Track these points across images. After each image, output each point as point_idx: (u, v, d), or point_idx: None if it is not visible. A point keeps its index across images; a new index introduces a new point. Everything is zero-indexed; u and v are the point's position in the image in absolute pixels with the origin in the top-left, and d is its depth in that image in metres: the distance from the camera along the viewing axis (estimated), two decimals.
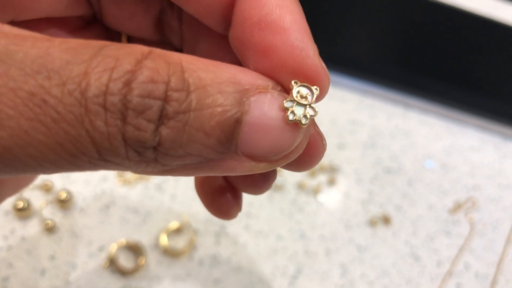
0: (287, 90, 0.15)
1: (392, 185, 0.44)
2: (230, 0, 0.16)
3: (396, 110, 0.49)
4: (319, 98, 0.16)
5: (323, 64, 0.16)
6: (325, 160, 0.44)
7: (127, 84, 0.13)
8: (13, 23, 0.18)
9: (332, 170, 0.44)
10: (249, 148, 0.14)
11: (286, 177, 0.42)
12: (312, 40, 0.16)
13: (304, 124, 0.15)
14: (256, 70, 0.15)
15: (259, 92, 0.14)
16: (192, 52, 0.20)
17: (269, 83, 0.15)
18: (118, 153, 0.13)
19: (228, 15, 0.17)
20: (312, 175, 0.43)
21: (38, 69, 0.12)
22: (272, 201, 0.41)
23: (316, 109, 0.15)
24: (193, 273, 0.36)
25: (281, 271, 0.38)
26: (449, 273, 0.40)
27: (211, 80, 0.14)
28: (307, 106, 0.15)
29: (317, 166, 0.43)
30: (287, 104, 0.14)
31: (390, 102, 0.49)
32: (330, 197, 0.42)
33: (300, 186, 0.42)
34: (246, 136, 0.14)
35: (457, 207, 0.44)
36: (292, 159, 0.16)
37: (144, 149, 0.13)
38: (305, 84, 0.15)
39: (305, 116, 0.15)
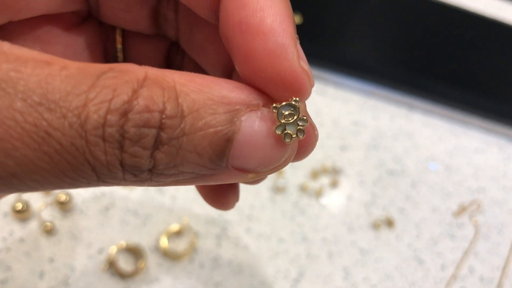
0: (275, 98, 0.16)
1: (395, 187, 0.43)
2: None
3: (399, 111, 0.48)
4: (302, 99, 0.16)
5: (304, 65, 0.16)
6: (327, 162, 0.43)
7: (124, 115, 0.13)
8: (10, 23, 0.19)
9: (335, 172, 0.43)
10: (239, 163, 0.15)
11: (288, 179, 0.42)
12: (294, 42, 0.15)
13: (301, 138, 0.15)
14: (241, 71, 0.16)
15: (250, 110, 0.15)
16: (188, 42, 0.21)
17: (260, 102, 0.15)
18: (116, 177, 0.14)
19: (216, 9, 0.17)
20: (315, 177, 0.42)
21: (40, 100, 0.13)
22: (274, 203, 0.41)
23: (306, 118, 0.15)
24: (193, 276, 0.36)
25: (283, 274, 0.37)
26: (454, 277, 0.40)
27: (203, 103, 0.14)
28: (297, 120, 0.15)
29: (319, 168, 0.43)
30: (278, 130, 0.15)
31: (393, 103, 0.49)
32: (333, 200, 0.42)
33: (303, 189, 0.42)
34: (237, 153, 0.15)
35: (461, 210, 0.43)
36: (279, 170, 0.16)
37: (139, 172, 0.14)
38: (285, 103, 0.15)
39: (299, 131, 0.15)
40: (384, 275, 0.39)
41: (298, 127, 0.15)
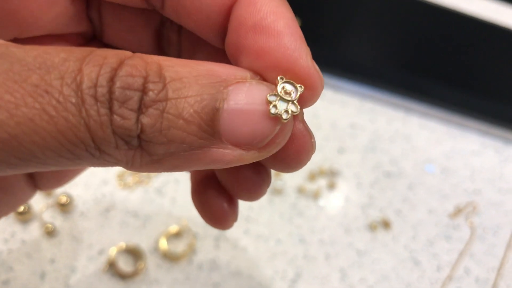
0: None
1: (392, 189, 0.44)
2: (227, 8, 0.17)
3: (396, 114, 0.49)
4: (312, 100, 0.16)
5: (316, 67, 0.16)
6: (325, 164, 0.44)
7: (112, 78, 0.14)
8: (15, 40, 0.19)
9: (332, 174, 0.44)
10: (232, 135, 0.15)
11: (286, 181, 0.42)
12: (305, 44, 0.16)
13: (285, 119, 0.15)
14: (249, 69, 0.16)
15: (237, 82, 0.15)
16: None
17: (247, 74, 0.16)
18: (109, 142, 0.14)
19: (225, 24, 0.17)
20: (312, 179, 0.43)
21: (39, 65, 0.13)
22: (272, 205, 0.41)
23: (298, 107, 0.15)
24: (192, 277, 0.37)
25: (281, 275, 0.38)
26: (449, 278, 0.40)
27: (188, 73, 0.15)
28: (290, 102, 0.15)
29: (317, 170, 0.43)
30: (270, 97, 0.15)
31: (391, 106, 0.49)
32: (330, 201, 0.42)
33: (300, 190, 0.42)
34: (227, 123, 0.15)
35: (457, 212, 0.44)
36: (279, 146, 0.16)
37: (130, 138, 0.14)
38: (291, 81, 0.15)
39: (286, 111, 0.15)
40: (381, 276, 0.39)
41: (288, 108, 0.15)
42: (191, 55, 0.21)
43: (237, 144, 0.15)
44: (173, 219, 0.39)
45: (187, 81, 0.14)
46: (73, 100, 0.13)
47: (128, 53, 0.15)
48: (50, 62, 0.14)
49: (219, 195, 0.21)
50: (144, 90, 0.14)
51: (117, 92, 0.14)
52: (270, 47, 0.16)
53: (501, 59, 0.53)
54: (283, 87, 0.15)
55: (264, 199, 0.41)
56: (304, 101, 0.16)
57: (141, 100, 0.14)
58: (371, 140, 0.47)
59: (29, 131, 0.13)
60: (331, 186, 0.43)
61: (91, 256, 0.36)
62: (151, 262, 0.37)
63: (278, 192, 0.42)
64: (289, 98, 0.15)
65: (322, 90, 0.16)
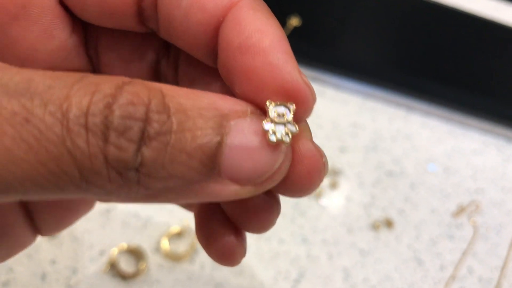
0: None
1: (395, 188, 0.44)
2: (213, 29, 0.17)
3: (398, 113, 0.49)
4: (305, 115, 0.16)
5: (306, 80, 0.16)
6: None
7: (108, 106, 0.13)
8: None
9: (334, 174, 0.43)
10: (232, 171, 0.15)
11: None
12: (293, 59, 0.16)
13: (287, 143, 0.15)
14: (241, 93, 0.16)
15: (238, 116, 0.15)
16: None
17: (248, 108, 0.15)
18: (100, 174, 0.13)
19: (214, 43, 0.17)
20: None
21: (22, 92, 0.13)
22: None
23: (296, 126, 0.15)
24: (194, 277, 0.36)
25: (283, 275, 0.38)
26: (452, 278, 0.40)
27: (191, 106, 0.14)
28: (287, 123, 0.15)
29: None
30: (266, 126, 0.15)
31: (392, 105, 0.49)
32: (332, 201, 0.42)
33: None
34: (228, 159, 0.14)
35: (460, 211, 0.43)
36: (276, 182, 0.16)
37: (126, 171, 0.13)
38: (281, 103, 0.15)
39: (287, 134, 0.15)
40: (384, 276, 0.39)
41: (286, 130, 0.15)
42: (189, 83, 0.20)
43: (236, 180, 0.15)
44: (175, 219, 0.38)
45: (191, 114, 0.14)
46: (56, 130, 0.13)
47: (126, 78, 0.14)
48: (34, 89, 0.13)
49: (226, 228, 0.19)
50: (147, 121, 0.13)
51: (116, 121, 0.13)
52: (257, 66, 0.15)
53: (502, 57, 0.53)
54: (275, 111, 0.15)
55: None
56: (298, 118, 0.16)
57: (143, 131, 0.13)
58: (373, 139, 0.46)
59: (6, 161, 0.12)
60: (333, 186, 0.43)
61: (92, 257, 0.36)
62: (153, 263, 0.36)
63: None
64: (284, 120, 0.15)
65: (314, 103, 0.16)
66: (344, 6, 0.52)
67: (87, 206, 0.23)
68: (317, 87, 0.48)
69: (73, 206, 0.22)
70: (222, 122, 0.14)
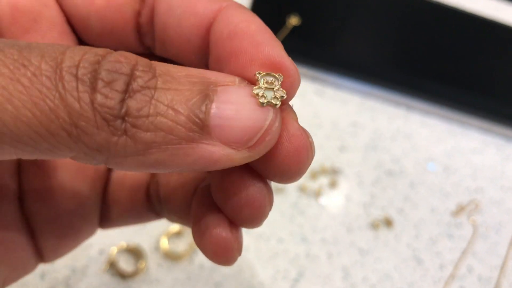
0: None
1: (394, 188, 0.44)
2: (205, 31, 0.18)
3: (397, 112, 0.49)
4: (291, 91, 0.17)
5: (289, 58, 0.17)
6: (326, 163, 0.44)
7: (98, 62, 0.14)
8: None
9: (334, 173, 0.43)
10: (222, 131, 0.15)
11: None
12: (277, 39, 0.17)
13: (276, 105, 0.16)
14: (231, 72, 0.17)
15: (226, 84, 0.16)
16: None
17: (236, 79, 0.16)
18: (87, 118, 0.14)
19: (206, 45, 0.19)
20: (313, 177, 0.43)
21: (23, 46, 0.14)
22: (273, 204, 0.41)
23: (285, 91, 0.16)
24: (193, 277, 0.36)
25: (282, 275, 0.38)
26: (452, 277, 0.40)
27: (179, 72, 0.15)
28: (276, 89, 0.16)
29: (318, 169, 0.43)
30: (256, 90, 0.16)
31: (392, 104, 0.49)
32: (332, 200, 0.42)
33: (302, 189, 0.42)
34: (217, 118, 0.15)
35: (459, 210, 0.43)
36: (269, 145, 0.16)
37: (112, 118, 0.14)
38: (269, 73, 0.16)
39: (275, 97, 0.16)
40: (383, 275, 0.39)
41: (275, 94, 0.16)
42: None
43: (227, 142, 0.15)
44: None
45: (177, 76, 0.15)
46: (49, 74, 0.14)
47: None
48: (35, 45, 0.14)
49: (221, 223, 0.19)
50: (132, 76, 0.14)
51: (103, 73, 0.14)
52: (245, 47, 0.17)
53: (502, 56, 0.53)
54: (264, 80, 0.16)
55: None
56: (285, 90, 0.17)
57: (128, 84, 0.14)
58: (372, 138, 0.46)
59: (2, 100, 0.13)
60: (333, 185, 0.43)
61: (91, 256, 0.36)
62: (152, 262, 0.36)
63: (280, 191, 0.41)
64: (273, 87, 0.16)
65: (299, 79, 0.17)
66: (343, 5, 0.52)
67: (87, 228, 0.24)
68: (316, 87, 0.48)
69: (74, 226, 0.23)
70: (209, 86, 0.15)
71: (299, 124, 0.17)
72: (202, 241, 0.19)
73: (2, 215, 0.21)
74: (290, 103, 0.18)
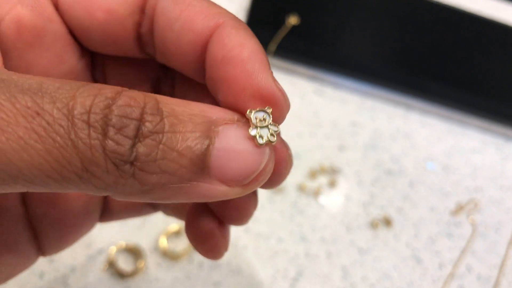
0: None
1: (393, 187, 0.44)
2: (201, 47, 0.19)
3: (397, 111, 0.49)
4: (279, 119, 0.18)
5: (280, 86, 0.18)
6: (325, 162, 0.44)
7: (108, 106, 0.15)
8: None
9: (333, 172, 0.43)
10: (220, 171, 0.16)
11: (286, 179, 0.42)
12: (268, 68, 0.18)
13: (273, 142, 0.17)
14: (224, 98, 0.18)
15: (226, 123, 0.17)
16: None
17: (235, 116, 0.17)
18: (98, 165, 0.15)
19: (202, 60, 0.19)
20: (313, 177, 0.43)
21: (34, 91, 0.15)
22: (273, 203, 0.41)
23: (277, 125, 0.17)
24: (192, 276, 0.36)
25: (282, 274, 0.38)
26: (451, 276, 0.40)
27: (182, 111, 0.16)
28: (269, 125, 0.17)
29: (317, 168, 0.43)
30: (252, 132, 0.17)
31: (391, 103, 0.49)
32: (331, 199, 0.42)
33: (301, 188, 0.42)
34: (217, 160, 0.16)
35: (459, 209, 0.43)
36: (261, 183, 0.17)
37: (122, 163, 0.15)
38: (259, 109, 0.17)
39: (272, 135, 0.17)
40: (383, 274, 0.39)
41: (270, 131, 0.17)
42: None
43: (224, 181, 0.16)
44: (173, 218, 0.38)
45: (182, 118, 0.16)
46: (62, 123, 0.14)
47: (125, 88, 0.16)
48: (45, 88, 0.15)
49: (210, 221, 0.22)
50: (142, 120, 0.15)
51: (114, 119, 0.15)
52: (237, 74, 0.17)
53: (501, 56, 0.53)
54: (255, 117, 0.17)
55: (264, 198, 0.41)
56: (274, 120, 0.18)
57: (138, 129, 0.15)
58: (372, 138, 0.46)
59: (18, 148, 0.14)
60: (332, 184, 0.43)
61: (90, 255, 0.36)
62: (151, 261, 0.36)
63: (279, 190, 0.41)
64: (266, 124, 0.17)
65: (288, 108, 0.18)
66: (342, 5, 0.52)
67: (89, 224, 0.25)
68: (316, 86, 0.48)
69: (76, 224, 0.24)
70: (210, 127, 0.16)
71: (280, 137, 0.19)
72: (192, 235, 0.22)
73: (5, 215, 0.22)
74: None
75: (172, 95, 0.23)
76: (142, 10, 0.20)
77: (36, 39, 0.20)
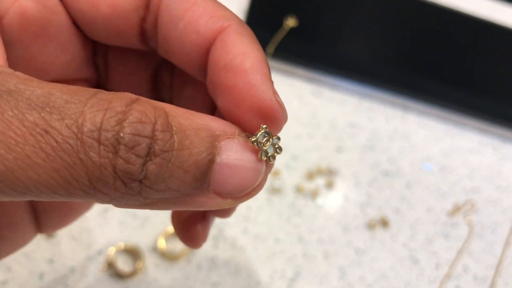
0: (249, 128, 0.18)
1: (391, 188, 0.44)
2: (205, 50, 0.19)
3: (394, 112, 0.49)
4: (276, 131, 0.18)
5: (280, 100, 0.18)
6: (323, 163, 0.44)
7: (119, 122, 0.14)
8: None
9: (331, 173, 0.44)
10: (219, 186, 0.16)
11: (284, 180, 0.42)
12: (270, 80, 0.18)
13: (280, 153, 0.18)
14: (223, 106, 0.18)
15: (227, 137, 0.17)
16: (179, 97, 0.24)
17: (236, 130, 0.17)
18: (107, 183, 0.15)
19: (205, 62, 0.20)
20: (310, 178, 0.43)
21: (42, 105, 0.14)
22: (271, 204, 0.41)
23: (278, 136, 0.18)
24: (191, 277, 0.37)
25: (280, 275, 0.38)
26: (448, 276, 0.40)
27: (189, 126, 0.16)
28: (272, 141, 0.17)
29: (315, 169, 0.43)
30: (263, 156, 0.17)
31: (389, 104, 0.49)
32: (329, 200, 0.42)
33: (299, 189, 0.42)
34: (217, 175, 0.16)
35: (455, 210, 0.44)
36: (252, 196, 0.18)
37: (130, 181, 0.15)
38: (259, 133, 0.17)
39: (277, 148, 0.18)
40: (380, 275, 0.39)
41: (276, 147, 0.18)
42: (180, 90, 0.24)
43: (220, 194, 0.17)
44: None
45: (189, 133, 0.16)
46: (71, 142, 0.14)
47: (133, 96, 0.16)
48: (53, 103, 0.14)
49: (195, 219, 0.23)
50: (153, 138, 0.15)
51: (127, 137, 0.14)
52: (238, 84, 0.18)
53: (499, 57, 0.53)
54: (260, 142, 0.17)
55: (262, 199, 0.41)
56: (271, 131, 0.18)
57: (149, 147, 0.15)
58: (370, 139, 0.47)
59: (25, 167, 0.14)
60: (330, 185, 0.43)
61: (89, 256, 0.36)
62: (150, 262, 0.37)
63: (277, 191, 0.42)
64: (269, 142, 0.17)
65: (285, 120, 0.18)
66: (340, 6, 0.53)
67: (87, 205, 0.26)
68: (314, 88, 0.48)
69: (75, 205, 0.25)
70: (214, 142, 0.16)
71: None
72: (176, 222, 0.23)
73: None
74: None
75: (171, 82, 0.24)
76: (146, 5, 0.20)
77: (40, 31, 0.20)
